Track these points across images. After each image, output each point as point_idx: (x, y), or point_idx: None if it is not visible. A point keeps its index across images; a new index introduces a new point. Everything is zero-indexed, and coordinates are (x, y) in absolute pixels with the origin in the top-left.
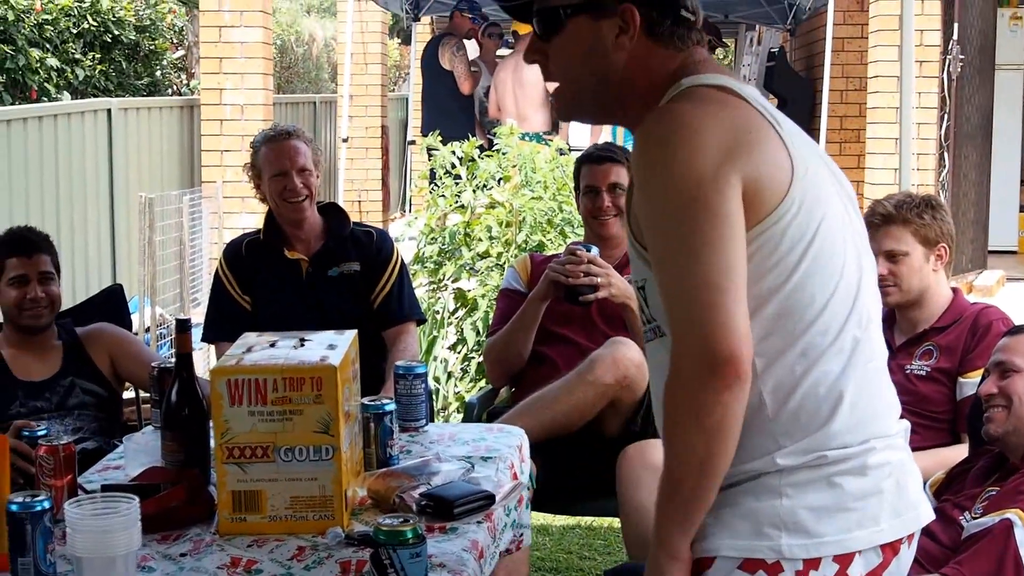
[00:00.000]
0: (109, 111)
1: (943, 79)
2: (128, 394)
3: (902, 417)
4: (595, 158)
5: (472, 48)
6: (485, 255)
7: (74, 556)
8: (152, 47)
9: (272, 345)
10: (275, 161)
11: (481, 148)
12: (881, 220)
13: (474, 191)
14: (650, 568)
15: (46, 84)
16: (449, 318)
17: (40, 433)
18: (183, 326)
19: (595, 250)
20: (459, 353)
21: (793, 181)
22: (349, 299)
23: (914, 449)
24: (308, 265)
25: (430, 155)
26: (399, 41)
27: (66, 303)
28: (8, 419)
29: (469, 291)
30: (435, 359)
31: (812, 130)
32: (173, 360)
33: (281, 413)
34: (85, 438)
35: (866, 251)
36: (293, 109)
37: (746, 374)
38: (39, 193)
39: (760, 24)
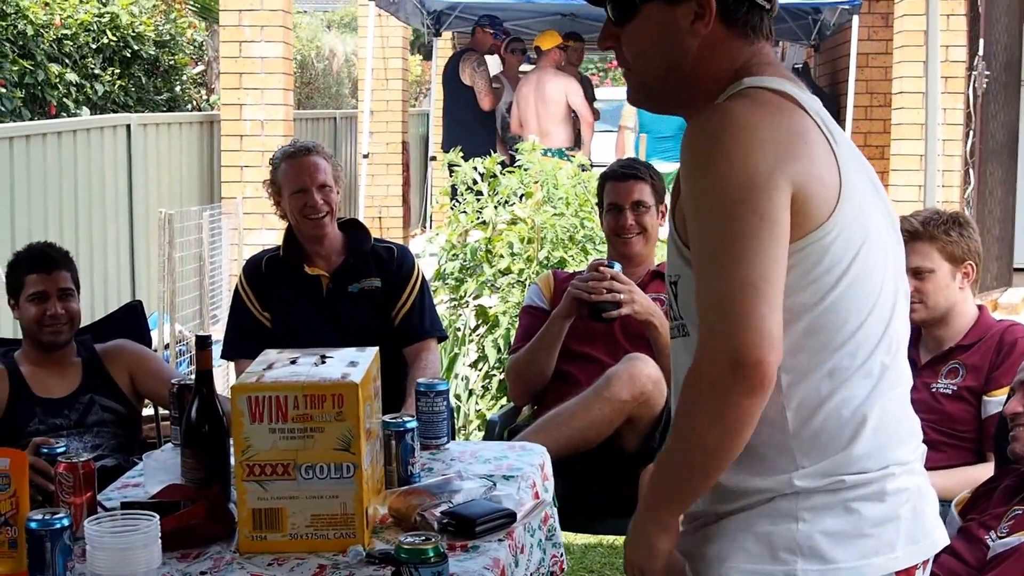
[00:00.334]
0: (128, 127)
1: (968, 95)
2: (147, 411)
3: (925, 440)
4: (618, 175)
5: (494, 64)
6: (506, 272)
7: (94, 574)
8: (172, 62)
9: (293, 362)
10: (295, 178)
11: (503, 164)
12: (908, 237)
13: (496, 207)
14: (637, 534)
15: (65, 99)
16: (470, 335)
17: (59, 450)
18: (203, 343)
19: (618, 267)
20: (480, 370)
21: (840, 200)
22: (370, 315)
23: (939, 467)
24: (328, 281)
25: (451, 171)
26: (420, 56)
27: (85, 319)
28: (27, 436)
29: (490, 308)
30: (456, 376)
31: None
32: (193, 377)
33: (302, 430)
34: (104, 455)
35: (902, 276)
36: (313, 125)
37: (771, 380)
38: (58, 209)
39: (784, 40)
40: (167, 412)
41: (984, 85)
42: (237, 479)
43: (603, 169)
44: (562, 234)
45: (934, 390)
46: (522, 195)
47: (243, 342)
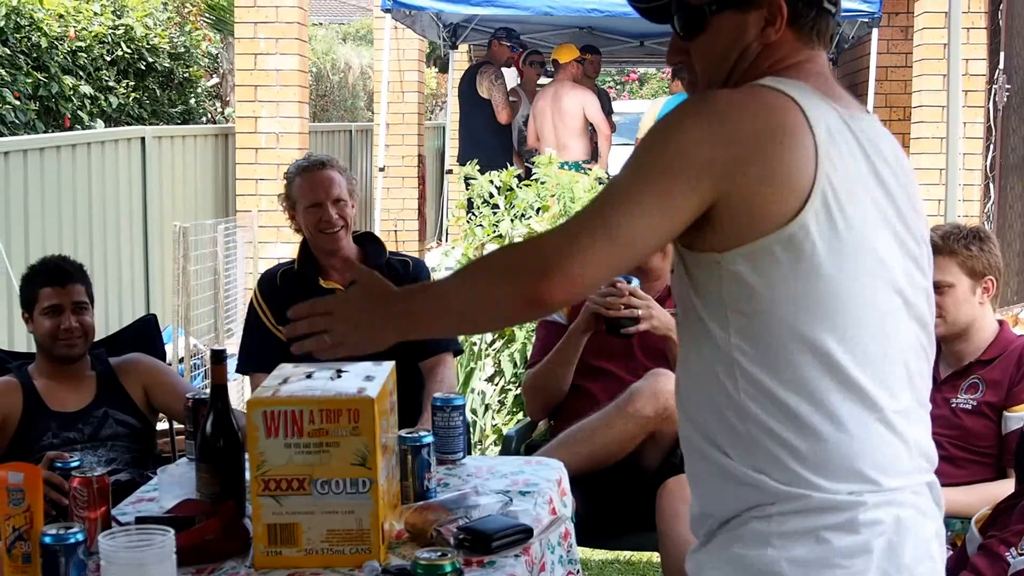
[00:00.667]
0: (143, 139)
1: (989, 109)
2: (162, 425)
3: (944, 455)
4: None
5: (511, 76)
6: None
7: None
8: (186, 74)
9: (309, 376)
10: (309, 192)
11: (519, 177)
12: None
13: (512, 221)
14: (375, 312)
15: (79, 112)
16: (487, 349)
17: (73, 464)
18: (218, 357)
19: (636, 282)
20: (497, 385)
21: (806, 205)
22: None
23: (959, 483)
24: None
25: (467, 184)
26: (436, 69)
27: (99, 333)
28: (41, 450)
29: None
30: (472, 391)
31: None
32: (208, 391)
33: (318, 445)
34: (118, 469)
35: (920, 297)
36: (329, 137)
37: (551, 310)
38: (72, 222)
39: None
40: (182, 426)
41: (1005, 99)
42: (252, 494)
43: None
44: None
45: (954, 405)
46: (539, 209)
47: (258, 356)
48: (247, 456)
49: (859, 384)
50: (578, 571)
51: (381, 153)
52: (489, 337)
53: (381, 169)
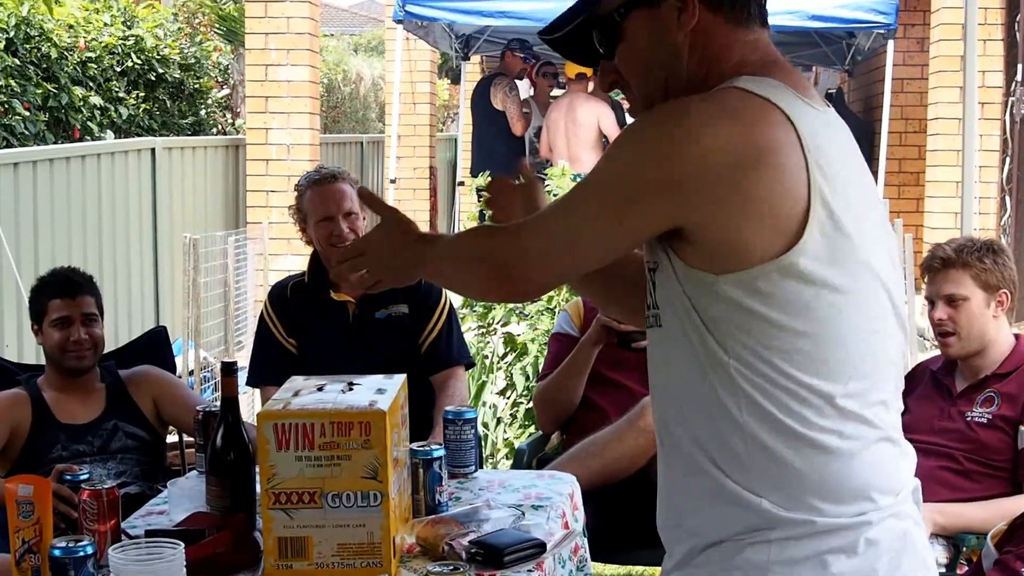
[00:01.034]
0: (153, 150)
1: (1005, 121)
2: (172, 438)
3: (959, 469)
4: None
5: (523, 88)
6: (535, 299)
7: None
8: (197, 85)
9: (320, 389)
10: (320, 206)
11: None
12: (941, 264)
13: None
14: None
15: (89, 123)
16: (498, 363)
17: (82, 477)
18: (229, 369)
19: None
20: (508, 398)
21: (806, 231)
22: (397, 342)
23: (975, 498)
24: (355, 307)
25: (479, 196)
26: (448, 80)
27: (109, 345)
28: (50, 463)
29: (518, 335)
30: (484, 404)
31: (870, 172)
32: (218, 404)
33: (329, 458)
34: (128, 482)
35: (902, 319)
36: (340, 149)
37: (512, 298)
38: (82, 233)
39: (818, 65)
40: (191, 439)
41: (1022, 111)
42: (263, 507)
43: None
44: None
45: (969, 419)
46: None
47: (269, 369)
48: (257, 469)
49: (862, 405)
50: None
51: (392, 165)
52: (501, 350)
53: (392, 181)
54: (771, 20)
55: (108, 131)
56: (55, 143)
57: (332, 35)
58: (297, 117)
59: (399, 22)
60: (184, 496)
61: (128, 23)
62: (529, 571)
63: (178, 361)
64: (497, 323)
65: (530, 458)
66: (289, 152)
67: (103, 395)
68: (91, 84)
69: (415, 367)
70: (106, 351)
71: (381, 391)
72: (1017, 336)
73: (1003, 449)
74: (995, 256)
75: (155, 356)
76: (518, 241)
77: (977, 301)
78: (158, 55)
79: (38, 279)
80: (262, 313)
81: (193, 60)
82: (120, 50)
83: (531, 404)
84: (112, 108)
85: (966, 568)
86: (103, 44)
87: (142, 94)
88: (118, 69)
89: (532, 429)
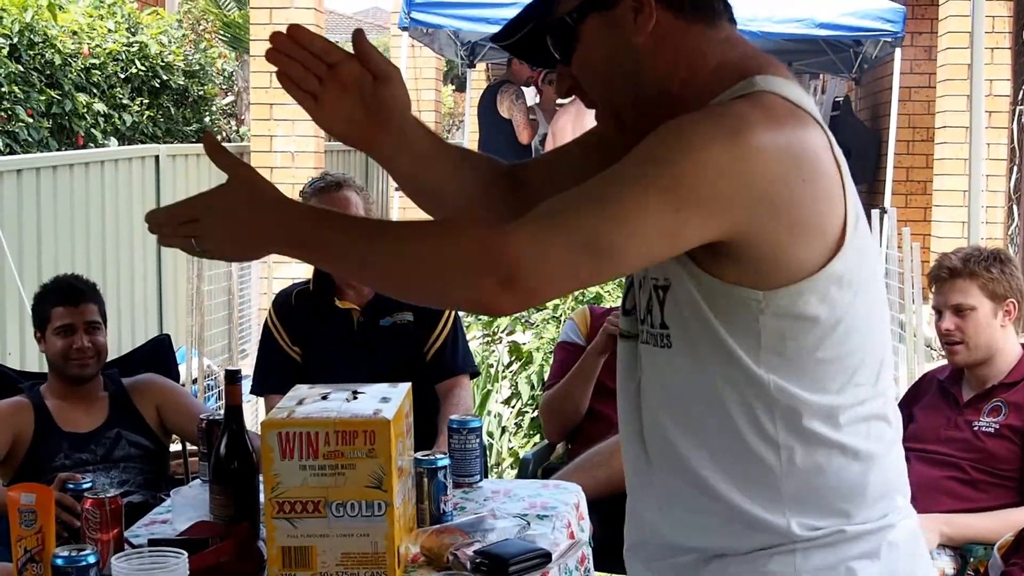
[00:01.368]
0: (157, 157)
1: (1013, 130)
2: (175, 446)
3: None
4: None
5: (530, 95)
6: (540, 307)
7: None
8: (201, 92)
9: (324, 397)
10: None
11: None
12: (948, 274)
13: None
14: (264, 217)
15: (93, 130)
16: (503, 371)
17: (85, 486)
18: (233, 377)
19: None
20: (513, 407)
21: (846, 237)
22: (401, 350)
23: (982, 508)
24: (359, 315)
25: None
26: (453, 88)
27: (112, 353)
28: (53, 471)
29: (524, 344)
30: (489, 413)
31: (877, 181)
32: (222, 412)
33: (333, 467)
34: (131, 491)
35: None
36: (345, 157)
37: (512, 311)
38: (85, 241)
39: (825, 73)
40: (195, 448)
41: None
42: (266, 516)
43: None
44: None
45: (976, 428)
46: None
47: (273, 377)
48: (261, 478)
49: (885, 403)
50: None
51: None
52: (506, 359)
53: (397, 189)
54: (778, 28)
55: (112, 138)
56: (59, 150)
57: (337, 42)
58: (302, 124)
59: (404, 29)
60: (187, 505)
61: (132, 29)
62: None
63: (182, 369)
64: (502, 332)
65: (535, 468)
66: (294, 159)
67: (106, 403)
68: (95, 91)
69: (420, 375)
70: (109, 359)
71: (386, 400)
72: None
73: (1010, 459)
74: (1002, 265)
75: (158, 364)
76: (525, 242)
77: (985, 311)
78: (162, 62)
79: (41, 286)
80: (266, 321)
81: (197, 67)
82: (124, 56)
83: (536, 413)
84: (116, 115)
85: None
86: (107, 50)
87: (146, 101)
88: (122, 76)
89: (537, 438)
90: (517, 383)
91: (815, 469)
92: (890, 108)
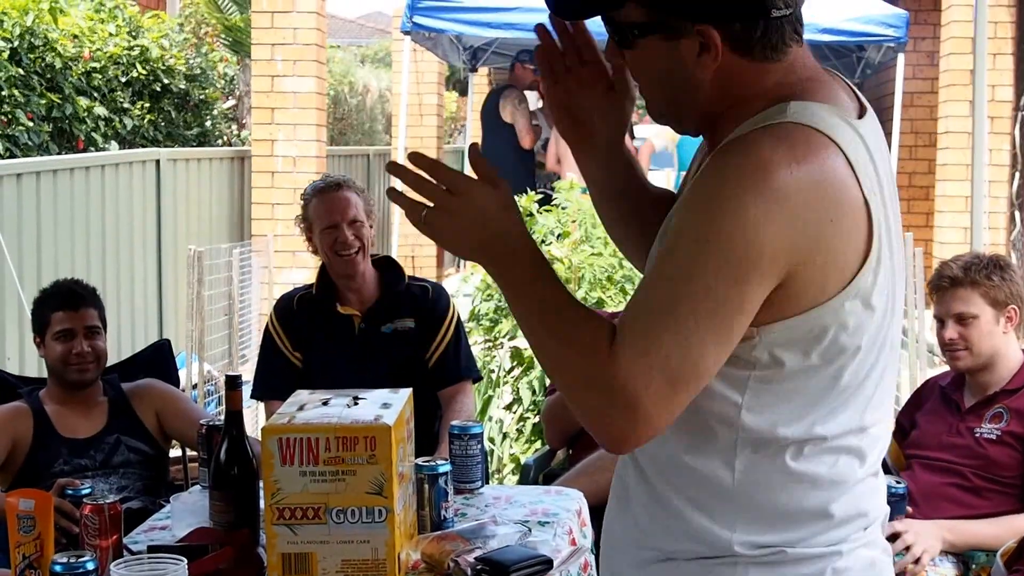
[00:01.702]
0: (158, 162)
1: (1015, 135)
2: (175, 452)
3: (969, 486)
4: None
5: (532, 99)
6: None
7: None
8: (202, 96)
9: (325, 403)
10: (326, 214)
11: (539, 202)
12: (949, 283)
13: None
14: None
15: (93, 133)
16: (505, 377)
17: (84, 492)
18: (233, 383)
19: None
20: (515, 413)
21: (858, 274)
22: (403, 356)
23: (984, 515)
24: (361, 321)
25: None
26: (456, 92)
27: (112, 358)
28: (51, 477)
29: (525, 350)
30: (490, 419)
31: None
32: (222, 418)
33: (333, 473)
34: (130, 497)
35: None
36: (346, 161)
37: (636, 444)
38: (85, 245)
39: None
40: (195, 453)
41: None
42: (267, 523)
43: None
44: (600, 274)
45: (978, 435)
46: (559, 234)
47: (273, 382)
48: (261, 484)
49: (861, 437)
50: None
51: None
52: (507, 364)
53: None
54: None
55: (112, 142)
56: (59, 154)
57: (339, 46)
58: (303, 129)
59: (407, 33)
60: (187, 511)
61: (133, 33)
62: None
63: (182, 374)
64: (504, 337)
65: (536, 474)
66: (295, 164)
67: (105, 409)
68: (96, 94)
69: (422, 381)
70: (109, 364)
71: (387, 405)
72: None
73: (1012, 465)
74: (1002, 272)
75: (158, 369)
76: (652, 385)
77: (987, 318)
78: (163, 65)
79: (41, 291)
80: (267, 325)
81: (199, 71)
82: (125, 60)
83: (538, 419)
84: (117, 119)
85: None
86: (108, 54)
87: (147, 105)
88: (123, 79)
89: (539, 444)
90: (519, 389)
91: (767, 491)
92: (893, 113)
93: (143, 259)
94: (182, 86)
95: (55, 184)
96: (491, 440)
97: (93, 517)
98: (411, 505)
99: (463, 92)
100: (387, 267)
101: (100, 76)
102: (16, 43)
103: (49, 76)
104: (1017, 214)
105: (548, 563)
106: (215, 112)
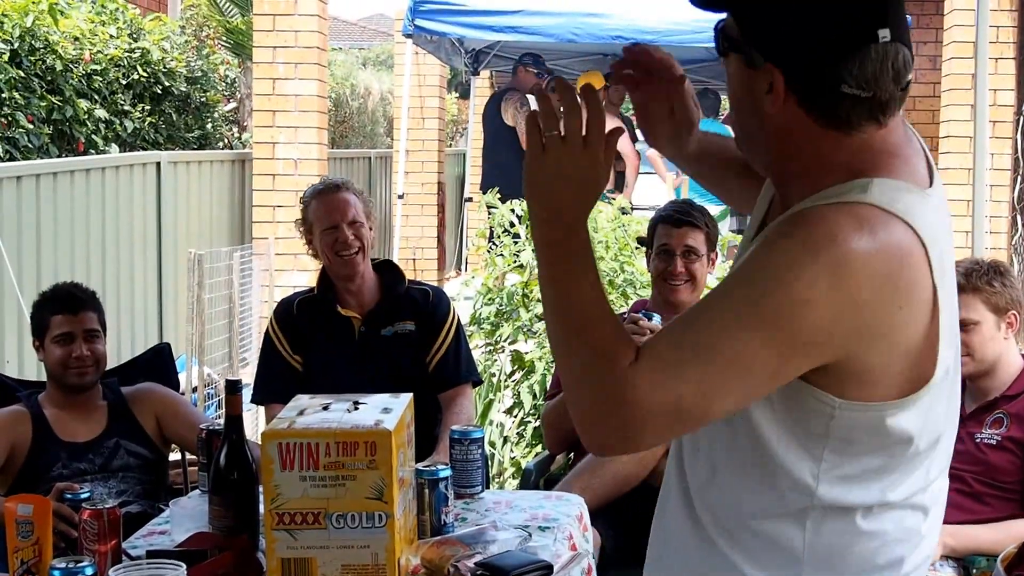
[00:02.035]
0: (158, 164)
1: (1017, 140)
2: (174, 456)
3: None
4: (673, 220)
5: (534, 104)
6: (543, 317)
7: None
8: (203, 99)
9: (325, 408)
10: (325, 215)
11: None
12: None
13: (534, 250)
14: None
15: (94, 136)
16: (506, 381)
17: (83, 496)
18: (233, 387)
19: (657, 319)
20: (515, 417)
21: (933, 380)
22: (403, 360)
23: (984, 521)
24: (361, 324)
25: (490, 212)
26: (457, 95)
27: (111, 362)
28: (50, 481)
29: (526, 353)
30: (491, 423)
31: None
32: (222, 422)
33: (333, 478)
34: (129, 501)
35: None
36: (348, 164)
37: (615, 455)
38: (85, 248)
39: None
40: (195, 458)
41: None
42: (266, 528)
43: (656, 210)
44: (601, 278)
45: (978, 440)
46: None
47: (274, 386)
48: (261, 489)
49: (928, 495)
50: None
51: (400, 180)
52: (508, 368)
53: (400, 196)
54: None
55: (113, 144)
56: (59, 156)
57: (341, 49)
58: (305, 131)
59: (409, 36)
60: (186, 516)
61: (134, 36)
62: None
63: (182, 378)
64: (504, 341)
65: (537, 478)
66: (296, 167)
67: (105, 412)
68: (96, 97)
69: (422, 385)
70: (108, 368)
71: (387, 410)
72: None
73: (1012, 471)
74: (1002, 278)
75: (158, 373)
76: (656, 396)
77: (988, 324)
78: (164, 68)
79: (40, 294)
80: (268, 329)
81: (200, 73)
82: (126, 63)
83: (538, 423)
84: (117, 121)
85: None
86: (109, 57)
87: (148, 107)
88: (124, 82)
89: (539, 448)
90: (519, 393)
91: (838, 552)
92: None
93: (143, 262)
94: (183, 89)
95: (55, 187)
96: (492, 444)
97: (92, 522)
98: (411, 510)
99: (464, 95)
100: (387, 271)
101: (101, 78)
102: (16, 45)
103: (49, 78)
104: (1019, 218)
105: (548, 568)
106: (216, 115)
